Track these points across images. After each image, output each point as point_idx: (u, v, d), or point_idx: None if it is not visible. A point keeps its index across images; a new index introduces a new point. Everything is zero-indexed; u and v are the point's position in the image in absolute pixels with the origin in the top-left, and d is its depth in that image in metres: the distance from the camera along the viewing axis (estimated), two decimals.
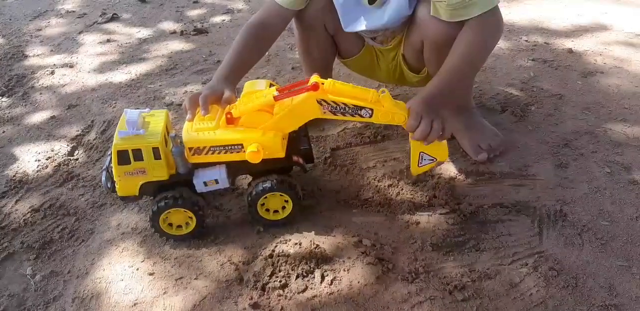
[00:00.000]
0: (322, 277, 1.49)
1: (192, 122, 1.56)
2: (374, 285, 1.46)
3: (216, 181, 1.58)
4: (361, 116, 1.48)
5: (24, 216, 1.84)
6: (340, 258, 1.54)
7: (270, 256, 1.57)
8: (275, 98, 1.49)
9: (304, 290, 1.46)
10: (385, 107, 1.46)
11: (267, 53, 2.79)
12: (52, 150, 2.20)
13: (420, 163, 1.57)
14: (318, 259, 1.55)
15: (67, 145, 2.27)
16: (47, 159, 2.15)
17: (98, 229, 1.76)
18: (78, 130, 2.37)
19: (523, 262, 1.49)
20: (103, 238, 1.72)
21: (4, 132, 2.39)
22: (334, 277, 1.48)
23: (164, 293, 1.51)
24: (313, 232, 1.64)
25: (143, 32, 3.30)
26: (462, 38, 1.52)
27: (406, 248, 1.57)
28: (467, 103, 1.94)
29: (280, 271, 1.52)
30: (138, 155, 1.50)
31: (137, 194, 1.60)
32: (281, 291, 1.46)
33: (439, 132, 1.47)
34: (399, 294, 1.43)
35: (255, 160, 1.50)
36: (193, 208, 1.60)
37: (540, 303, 1.38)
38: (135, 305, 1.48)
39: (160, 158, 1.52)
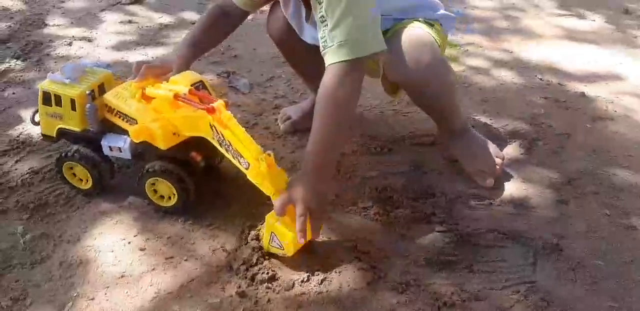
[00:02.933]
0: (313, 276, 1.49)
1: (128, 84, 1.63)
2: (364, 290, 1.46)
3: (120, 149, 1.63)
4: (240, 163, 1.45)
5: (22, 176, 1.82)
6: (332, 260, 1.55)
7: (262, 249, 1.56)
8: (175, 97, 1.48)
9: (292, 286, 1.46)
10: (262, 171, 1.42)
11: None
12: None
13: (271, 242, 1.50)
14: (310, 258, 1.55)
15: None
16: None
17: (94, 199, 1.75)
18: None
19: (515, 289, 1.50)
20: (98, 208, 1.71)
21: (13, 93, 2.37)
22: (325, 278, 1.48)
23: (153, 269, 1.49)
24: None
25: (165, 18, 3.31)
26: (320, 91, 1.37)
27: (399, 260, 1.57)
28: (459, 126, 1.92)
29: (271, 264, 1.52)
30: (58, 100, 1.60)
31: (54, 136, 1.68)
32: (269, 285, 1.46)
33: (301, 226, 1.39)
34: (387, 302, 1.43)
35: (134, 137, 1.53)
36: (88, 166, 1.66)
37: None
38: (122, 277, 1.47)
39: (76, 110, 1.59)
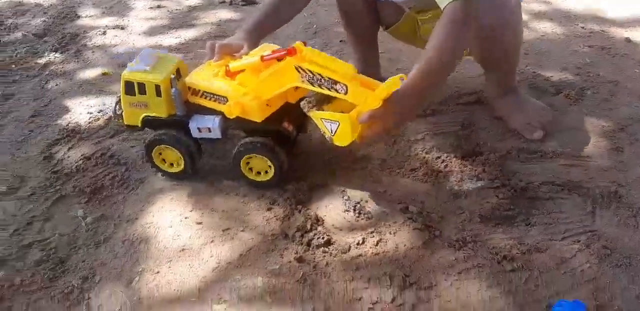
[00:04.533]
0: (368, 238, 1.49)
1: (206, 65, 1.65)
2: (420, 249, 1.46)
3: (209, 129, 1.63)
4: (337, 91, 1.44)
5: (76, 162, 1.87)
6: (386, 222, 1.54)
7: (316, 214, 1.57)
8: (263, 58, 1.49)
9: (348, 249, 1.47)
10: (366, 86, 1.41)
11: (314, 26, 2.80)
12: (103, 104, 2.24)
13: (326, 121, 1.49)
14: (363, 221, 1.55)
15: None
16: (98, 112, 2.18)
17: (148, 179, 1.79)
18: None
19: (575, 239, 1.47)
20: (153, 187, 1.75)
21: (57, 85, 2.43)
22: (380, 239, 1.49)
23: (211, 241, 1.53)
24: (359, 195, 1.64)
25: (193, 0, 3.32)
26: (434, 31, 1.43)
27: (453, 218, 1.56)
28: (512, 83, 1.91)
29: (325, 230, 1.53)
30: (142, 89, 1.59)
31: (139, 125, 1.68)
32: (325, 249, 1.47)
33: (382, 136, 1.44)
34: (445, 260, 1.42)
35: (229, 114, 1.55)
36: (182, 149, 1.67)
37: (592, 280, 1.36)
38: (183, 250, 1.51)
39: (161, 96, 1.59)
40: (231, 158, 1.66)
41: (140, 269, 1.46)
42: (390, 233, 1.50)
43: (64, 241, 1.57)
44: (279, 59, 1.47)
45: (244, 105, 1.54)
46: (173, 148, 1.67)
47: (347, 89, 1.42)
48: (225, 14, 3.13)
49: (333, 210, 1.60)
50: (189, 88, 1.61)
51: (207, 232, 1.56)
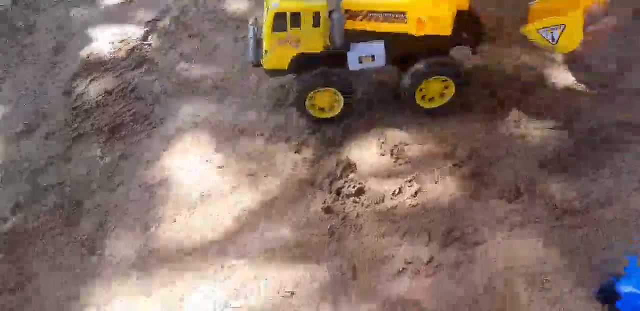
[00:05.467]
0: (405, 187, 1.33)
1: None
2: (467, 200, 1.29)
3: (372, 58, 1.43)
4: None
5: (96, 98, 1.76)
6: (427, 168, 1.36)
7: (348, 159, 1.41)
8: None
9: (382, 199, 1.31)
10: None
11: None
12: (126, 34, 2.07)
13: (544, 30, 1.31)
14: (401, 167, 1.37)
15: (142, 29, 2.14)
16: (120, 42, 2.03)
17: (170, 116, 1.66)
18: (153, 15, 2.22)
19: None
20: (175, 126, 1.62)
21: (81, 15, 2.27)
22: (419, 188, 1.32)
23: (234, 188, 1.40)
24: (399, 137, 1.45)
25: None
26: None
27: (507, 164, 1.36)
28: None
29: (357, 177, 1.36)
30: (296, 20, 1.36)
31: (285, 68, 1.46)
32: (357, 199, 1.32)
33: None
34: (495, 213, 1.25)
35: (419, 32, 1.33)
36: (342, 88, 1.47)
37: None
38: (202, 197, 1.39)
39: (319, 26, 1.37)
40: (403, 88, 1.48)
41: (158, 216, 1.35)
42: (431, 182, 1.32)
43: (80, 183, 1.48)
44: None
45: (434, 18, 1.31)
46: (331, 90, 1.45)
47: None
48: None
49: (368, 153, 1.43)
50: (346, 11, 1.38)
51: (229, 177, 1.43)
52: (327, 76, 1.45)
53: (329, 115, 1.50)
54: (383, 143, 1.44)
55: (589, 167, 1.32)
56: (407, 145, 1.43)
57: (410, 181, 1.33)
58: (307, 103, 1.48)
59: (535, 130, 1.42)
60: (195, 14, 2.19)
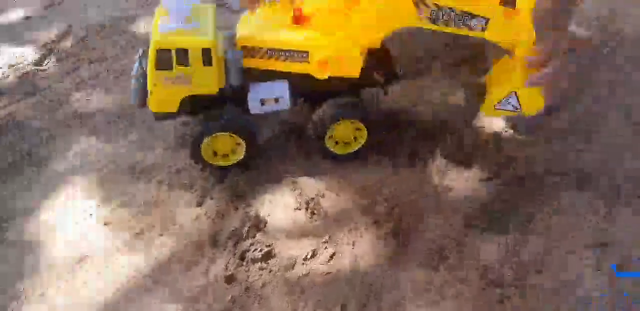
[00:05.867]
0: (320, 250, 1.16)
1: (253, 14, 1.22)
2: (385, 267, 1.13)
3: (276, 100, 1.24)
4: (470, 28, 1.12)
5: None
6: (344, 226, 1.21)
7: (257, 214, 1.23)
8: None
9: (293, 265, 1.14)
10: (511, 19, 1.10)
11: None
12: (18, 57, 1.83)
13: (501, 104, 1.20)
14: (317, 223, 1.21)
15: (38, 52, 1.90)
16: (10, 67, 1.79)
17: (56, 157, 1.43)
18: (52, 35, 1.99)
19: (584, 254, 1.14)
20: (60, 169, 1.39)
21: None
22: (334, 252, 1.16)
23: (118, 250, 1.19)
24: (315, 187, 1.30)
25: None
26: None
27: (432, 220, 1.22)
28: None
29: (265, 238, 1.19)
30: (183, 57, 1.14)
31: (174, 111, 1.24)
32: (264, 264, 1.14)
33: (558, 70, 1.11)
34: (417, 283, 1.10)
35: (321, 74, 1.16)
36: (242, 132, 1.27)
37: None
38: (81, 261, 1.17)
39: (212, 64, 1.15)
40: (311, 129, 1.30)
41: (21, 290, 1.12)
42: (348, 244, 1.17)
43: None
44: None
45: (340, 59, 1.15)
46: (230, 134, 1.26)
47: (486, 24, 1.11)
48: None
49: (280, 207, 1.26)
50: (243, 47, 1.19)
51: (115, 235, 1.22)
52: (224, 120, 1.26)
53: (230, 162, 1.33)
54: (299, 195, 1.27)
55: (519, 223, 1.21)
56: (323, 197, 1.28)
57: (325, 242, 1.17)
58: (203, 150, 1.27)
59: (463, 182, 1.30)
60: (103, 35, 1.98)
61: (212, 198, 1.29)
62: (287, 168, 1.34)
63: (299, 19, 1.16)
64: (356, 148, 1.31)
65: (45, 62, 1.86)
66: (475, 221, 1.20)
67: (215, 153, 1.30)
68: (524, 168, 1.32)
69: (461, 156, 1.36)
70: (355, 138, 1.31)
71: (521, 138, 1.40)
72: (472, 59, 1.65)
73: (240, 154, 1.29)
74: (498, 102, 1.20)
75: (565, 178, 1.30)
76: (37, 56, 1.88)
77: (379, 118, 1.35)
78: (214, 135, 1.24)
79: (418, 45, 1.60)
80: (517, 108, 1.20)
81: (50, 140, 1.49)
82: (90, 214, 1.27)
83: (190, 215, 1.25)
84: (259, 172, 1.33)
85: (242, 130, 1.25)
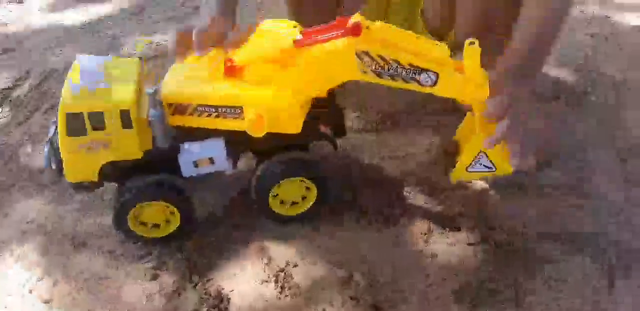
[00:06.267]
0: None
1: (180, 64, 1.12)
2: None
3: (211, 160, 1.11)
4: (419, 83, 1.02)
5: None
6: (318, 304, 1.07)
7: (219, 290, 1.09)
8: (297, 43, 1.02)
9: None
10: (463, 72, 1.01)
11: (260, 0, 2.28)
12: None
13: (473, 166, 1.11)
14: (288, 301, 1.07)
15: None
16: None
17: None
18: (8, 81, 1.87)
19: None
20: None
21: None
22: None
23: None
24: (285, 252, 1.16)
25: None
26: None
27: (416, 295, 1.09)
28: (530, 76, 1.43)
29: None
30: (98, 121, 1.00)
31: (95, 179, 1.10)
32: None
33: (520, 127, 1.04)
34: None
35: (256, 132, 1.03)
36: (177, 199, 1.12)
37: None
38: None
39: (132, 127, 1.02)
40: (252, 189, 1.17)
41: None
42: None
43: None
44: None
45: (277, 114, 1.03)
46: (160, 203, 1.12)
47: (436, 79, 1.01)
48: None
49: (245, 280, 1.12)
50: (170, 105, 1.06)
51: None
52: (152, 187, 1.10)
53: (164, 233, 1.17)
54: (266, 264, 1.14)
55: (510, 298, 1.08)
56: (295, 266, 1.14)
57: None
58: (130, 221, 1.13)
59: (448, 246, 1.18)
60: (61, 81, 1.85)
61: (167, 269, 1.14)
62: (253, 232, 1.21)
63: (230, 71, 1.04)
64: (305, 208, 1.18)
65: None
66: (463, 295, 1.07)
67: (145, 224, 1.15)
68: (514, 230, 1.20)
69: (443, 216, 1.24)
70: (305, 197, 1.18)
71: (509, 195, 1.29)
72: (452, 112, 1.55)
73: (174, 225, 1.14)
74: (468, 166, 1.11)
75: (558, 242, 1.19)
76: None
77: (333, 175, 1.22)
78: (140, 204, 1.10)
79: (386, 94, 1.51)
80: (490, 168, 1.10)
81: None
82: (30, 290, 1.11)
83: (143, 292, 1.10)
84: (221, 236, 1.19)
85: (173, 197, 1.11)
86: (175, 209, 1.13)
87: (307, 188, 1.19)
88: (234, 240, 1.20)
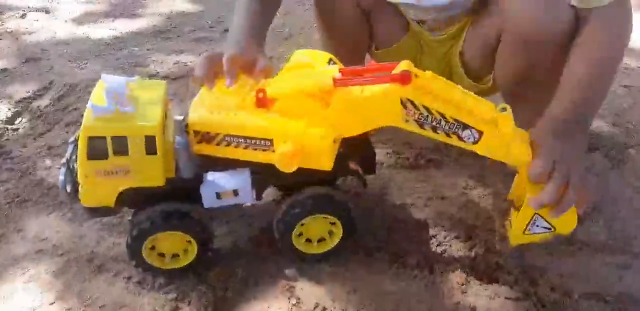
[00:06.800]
0: None
1: (208, 93, 1.05)
2: None
3: (235, 192, 1.05)
4: (460, 138, 0.97)
5: None
6: None
7: None
8: (336, 82, 0.96)
9: None
10: (504, 133, 0.96)
11: (287, 30, 2.26)
12: None
13: (530, 229, 1.05)
14: None
15: (10, 108, 1.72)
16: None
17: (8, 238, 1.21)
18: (29, 91, 1.83)
19: None
20: (10, 254, 1.17)
21: None
22: None
23: None
24: (315, 293, 1.10)
25: None
26: (587, 37, 1.10)
27: None
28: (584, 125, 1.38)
29: None
30: (121, 145, 0.95)
31: (112, 205, 1.03)
32: None
33: (574, 193, 0.98)
34: None
35: (287, 167, 0.98)
36: (192, 231, 1.06)
37: None
38: None
39: (156, 153, 0.97)
40: (276, 225, 1.11)
41: None
42: None
43: None
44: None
45: (309, 149, 0.98)
46: (178, 233, 1.06)
47: (479, 137, 0.97)
48: (179, 4, 2.56)
49: None
50: (196, 132, 1.01)
51: None
52: (171, 217, 1.03)
53: (181, 264, 1.11)
54: (294, 305, 1.06)
55: None
56: (325, 309, 1.07)
57: None
58: (145, 250, 1.07)
59: (488, 300, 1.11)
60: (82, 95, 1.82)
61: (189, 302, 1.06)
62: (281, 270, 1.14)
63: (262, 102, 1.00)
64: (331, 246, 1.13)
65: (18, 121, 1.69)
66: None
67: (163, 254, 1.08)
68: (557, 288, 1.13)
69: (483, 267, 1.18)
70: (330, 233, 1.12)
71: (551, 249, 1.23)
72: None
73: (191, 257, 1.09)
74: (525, 229, 1.05)
75: (601, 301, 1.12)
76: (9, 113, 1.71)
77: (361, 213, 1.16)
78: (156, 235, 1.03)
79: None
80: (549, 229, 1.04)
81: (8, 215, 1.28)
82: None
83: None
84: (248, 273, 1.12)
85: (194, 231, 1.05)
86: (192, 239, 1.07)
87: (332, 224, 1.13)
88: (261, 274, 1.13)
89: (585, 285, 1.15)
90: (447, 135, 0.98)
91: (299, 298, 1.09)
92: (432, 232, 1.27)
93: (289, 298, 1.09)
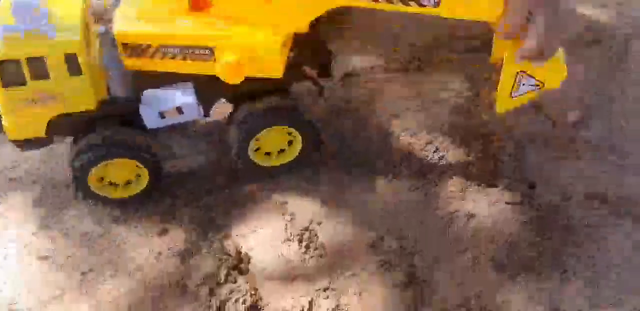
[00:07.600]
0: (317, 301, 0.94)
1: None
2: None
3: (180, 109, 0.98)
4: (420, 4, 0.88)
5: None
6: (348, 270, 0.98)
7: (237, 250, 0.99)
8: None
9: None
10: None
11: None
12: None
13: (516, 90, 0.97)
14: (313, 263, 0.98)
15: None
16: None
17: None
18: None
19: (632, 306, 0.94)
20: None
21: None
22: (337, 305, 0.93)
23: (60, 295, 0.93)
24: (309, 214, 1.06)
25: None
26: None
27: (451, 264, 1.00)
28: None
29: (252, 282, 0.96)
30: (39, 68, 0.86)
31: (44, 135, 0.96)
32: None
33: (558, 37, 0.90)
34: None
35: (232, 78, 0.91)
36: (142, 155, 1.00)
37: None
38: None
39: (81, 73, 0.88)
40: (231, 140, 1.05)
41: None
42: (354, 294, 0.94)
43: None
44: None
45: (256, 55, 0.90)
46: (125, 159, 0.99)
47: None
48: None
49: (266, 239, 1.02)
50: (125, 45, 0.91)
51: (54, 275, 0.96)
52: (113, 143, 0.96)
53: (133, 192, 1.04)
54: (289, 221, 1.03)
55: (555, 267, 1.01)
56: (320, 224, 1.04)
57: (324, 289, 0.94)
58: (91, 180, 1.00)
59: (486, 207, 1.08)
60: None
61: (178, 226, 1.03)
62: (274, 186, 1.10)
63: (198, 4, 0.91)
64: (293, 156, 1.09)
65: None
66: (503, 264, 0.99)
67: (111, 183, 1.03)
68: (556, 191, 1.11)
69: (480, 172, 1.14)
70: (291, 142, 1.08)
71: (548, 153, 1.19)
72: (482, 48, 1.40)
73: (143, 183, 1.04)
74: (512, 91, 0.98)
75: (600, 203, 1.10)
76: None
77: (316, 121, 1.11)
78: (102, 163, 0.97)
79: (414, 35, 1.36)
80: (536, 86, 0.97)
81: None
82: (25, 245, 1.00)
83: (150, 249, 1.00)
84: (238, 190, 1.08)
85: (135, 152, 0.98)
86: (141, 164, 1.01)
87: (290, 133, 1.07)
88: (253, 193, 1.09)
89: (582, 186, 1.13)
90: (404, 3, 0.89)
91: (293, 215, 1.06)
92: (427, 138, 1.21)
93: (282, 215, 1.06)
